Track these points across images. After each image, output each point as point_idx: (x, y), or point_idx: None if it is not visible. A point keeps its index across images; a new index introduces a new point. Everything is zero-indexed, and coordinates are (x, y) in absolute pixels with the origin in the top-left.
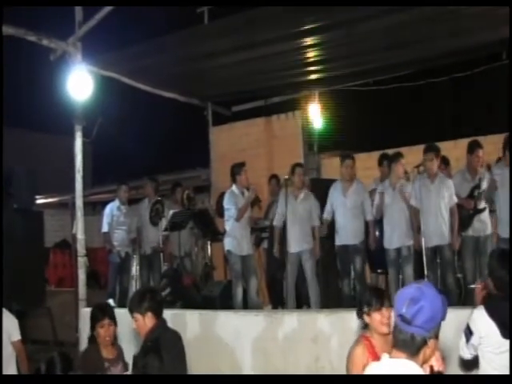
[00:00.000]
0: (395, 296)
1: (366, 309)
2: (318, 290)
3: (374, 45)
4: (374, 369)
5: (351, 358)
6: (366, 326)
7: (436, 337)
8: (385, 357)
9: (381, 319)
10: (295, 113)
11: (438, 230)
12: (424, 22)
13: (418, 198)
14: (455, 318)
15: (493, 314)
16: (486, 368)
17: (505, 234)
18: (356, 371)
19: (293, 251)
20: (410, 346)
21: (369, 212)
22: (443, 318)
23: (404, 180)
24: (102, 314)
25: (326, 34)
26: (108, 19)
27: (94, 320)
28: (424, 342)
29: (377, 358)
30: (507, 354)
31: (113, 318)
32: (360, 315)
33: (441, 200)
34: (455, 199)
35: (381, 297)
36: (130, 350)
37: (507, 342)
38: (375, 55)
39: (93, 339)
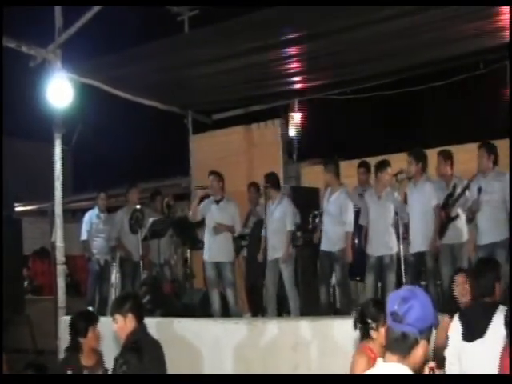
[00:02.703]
0: (387, 298)
1: (373, 324)
2: (298, 297)
3: (353, 55)
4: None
5: (356, 369)
6: (364, 337)
7: (427, 340)
8: (379, 361)
9: None
10: (275, 121)
11: (420, 235)
12: (403, 33)
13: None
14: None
15: (462, 316)
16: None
17: (482, 241)
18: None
19: (271, 258)
20: (402, 346)
21: (347, 223)
22: (434, 322)
23: (390, 188)
24: (94, 318)
25: (305, 45)
26: (88, 27)
27: (87, 325)
28: (415, 342)
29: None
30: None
31: (97, 324)
32: (361, 327)
33: (422, 205)
34: (434, 202)
35: None
36: (109, 358)
37: (467, 344)
38: (354, 65)
39: (73, 347)
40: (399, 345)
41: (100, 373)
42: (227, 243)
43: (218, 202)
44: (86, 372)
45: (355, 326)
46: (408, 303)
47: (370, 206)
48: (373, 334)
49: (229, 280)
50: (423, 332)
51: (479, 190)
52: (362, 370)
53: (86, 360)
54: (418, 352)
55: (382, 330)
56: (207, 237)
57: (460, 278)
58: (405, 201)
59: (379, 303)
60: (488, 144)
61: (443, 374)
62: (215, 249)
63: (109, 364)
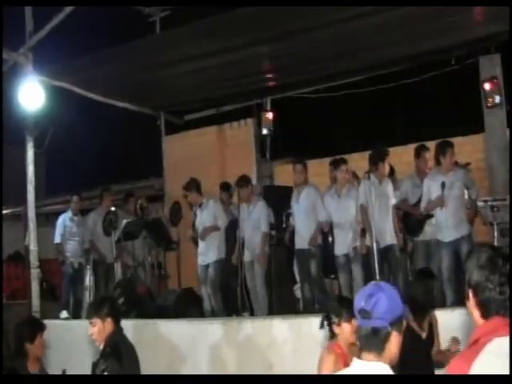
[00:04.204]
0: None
1: (335, 319)
2: (266, 296)
3: (324, 53)
4: (345, 373)
5: (324, 366)
6: (332, 336)
7: (399, 332)
8: (355, 361)
9: (351, 329)
10: (247, 120)
11: (387, 230)
12: (374, 31)
13: (368, 199)
14: None
15: None
16: None
17: (448, 238)
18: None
19: (247, 260)
20: (375, 342)
21: (320, 213)
22: (404, 314)
23: (350, 186)
24: (41, 325)
25: (277, 44)
26: (59, 29)
27: (34, 332)
28: (387, 335)
29: (343, 351)
30: None
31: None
32: (328, 325)
33: (388, 201)
34: (393, 201)
35: (352, 307)
36: (83, 361)
37: None
38: (325, 63)
39: (20, 353)
40: (372, 341)
41: None
42: (213, 243)
43: (200, 206)
44: None
45: (321, 325)
46: (374, 297)
47: (330, 206)
48: (335, 328)
49: (211, 279)
50: (393, 324)
51: (443, 185)
52: (329, 367)
53: (32, 368)
54: (392, 345)
55: (345, 326)
56: (199, 241)
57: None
58: None
59: (342, 299)
60: (448, 144)
61: None
62: (204, 252)
63: (85, 368)
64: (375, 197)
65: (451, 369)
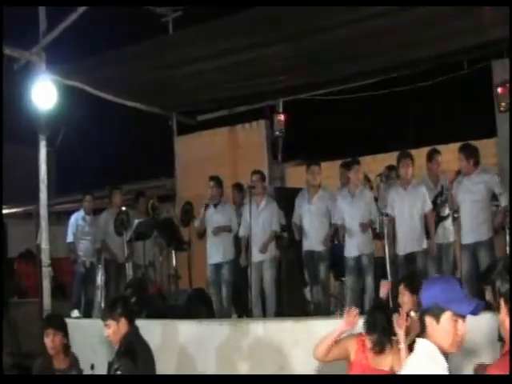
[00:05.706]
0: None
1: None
2: (275, 299)
3: (337, 55)
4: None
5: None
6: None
7: (436, 319)
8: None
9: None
10: (259, 122)
11: (412, 236)
12: (386, 33)
13: (392, 206)
14: None
15: None
16: None
17: (466, 241)
18: (337, 348)
19: (255, 260)
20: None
21: (334, 216)
22: (443, 300)
23: (363, 187)
24: (45, 323)
25: (289, 45)
26: (72, 29)
27: (42, 329)
28: (422, 321)
29: (366, 354)
30: None
31: (58, 328)
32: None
33: (414, 206)
34: (430, 205)
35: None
36: (94, 360)
37: None
38: (337, 65)
39: (43, 349)
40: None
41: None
42: (225, 244)
43: (215, 205)
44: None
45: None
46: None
47: (343, 207)
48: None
49: (225, 278)
50: (425, 311)
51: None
52: (346, 342)
53: (58, 363)
54: (432, 331)
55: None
56: (208, 241)
57: (401, 287)
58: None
59: (386, 330)
60: (466, 147)
61: None
62: (214, 251)
63: (96, 367)
64: (398, 203)
65: None
